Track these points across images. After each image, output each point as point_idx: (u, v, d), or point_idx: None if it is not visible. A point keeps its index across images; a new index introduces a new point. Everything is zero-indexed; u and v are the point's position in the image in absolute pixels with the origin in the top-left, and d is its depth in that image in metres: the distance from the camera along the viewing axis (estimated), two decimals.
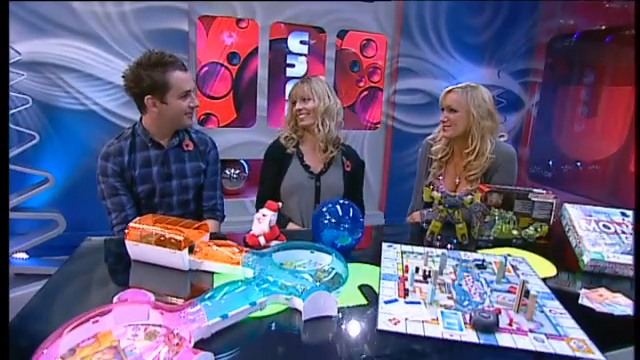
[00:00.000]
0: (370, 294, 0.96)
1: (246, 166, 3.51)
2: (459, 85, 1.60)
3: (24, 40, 2.43)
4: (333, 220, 1.17)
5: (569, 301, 0.95)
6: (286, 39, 3.39)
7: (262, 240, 1.17)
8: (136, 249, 1.07)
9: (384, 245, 1.22)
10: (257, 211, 1.23)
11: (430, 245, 1.26)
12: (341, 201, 1.23)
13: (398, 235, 1.41)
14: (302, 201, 1.67)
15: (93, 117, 2.66)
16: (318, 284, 0.90)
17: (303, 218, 1.67)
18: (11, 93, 2.35)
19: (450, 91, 1.59)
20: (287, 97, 1.79)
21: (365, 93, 3.74)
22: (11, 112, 2.35)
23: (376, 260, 1.13)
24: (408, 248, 1.22)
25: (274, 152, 1.72)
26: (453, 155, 1.67)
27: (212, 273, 1.03)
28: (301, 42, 3.43)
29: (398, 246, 1.23)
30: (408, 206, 1.82)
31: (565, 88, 3.72)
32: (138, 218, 1.13)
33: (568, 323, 0.86)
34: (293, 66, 3.45)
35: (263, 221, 1.18)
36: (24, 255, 2.49)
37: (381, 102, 3.62)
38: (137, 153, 1.48)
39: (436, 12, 3.40)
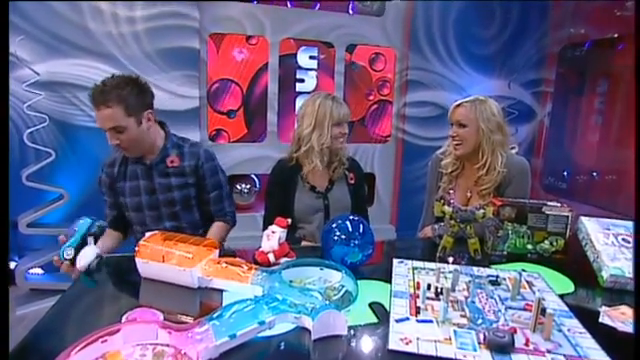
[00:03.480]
0: (381, 312, 0.95)
1: (257, 181, 3.52)
2: (467, 99, 1.58)
3: (42, 61, 2.52)
4: (343, 236, 1.16)
5: (589, 320, 0.92)
6: (295, 54, 3.43)
7: (271, 257, 1.17)
8: (146, 267, 1.08)
9: (395, 261, 1.21)
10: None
11: (442, 261, 1.24)
12: (351, 217, 1.22)
13: (409, 250, 1.39)
14: (313, 223, 1.63)
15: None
16: (328, 302, 0.88)
17: (316, 240, 1.61)
18: (29, 112, 2.42)
19: (458, 105, 1.58)
20: (329, 117, 1.58)
21: (375, 106, 3.75)
22: (29, 130, 2.42)
23: (387, 277, 1.11)
24: (420, 264, 1.20)
25: (278, 176, 1.68)
26: (464, 169, 1.65)
27: (221, 291, 1.02)
28: (310, 57, 3.47)
29: (409, 262, 1.21)
30: (419, 220, 1.79)
31: (578, 97, 3.67)
32: (148, 235, 1.14)
33: (588, 343, 0.83)
34: (303, 81, 3.48)
35: (272, 238, 1.18)
36: (39, 270, 2.52)
37: (391, 115, 3.62)
38: (128, 166, 1.55)
39: (444, 24, 3.40)
